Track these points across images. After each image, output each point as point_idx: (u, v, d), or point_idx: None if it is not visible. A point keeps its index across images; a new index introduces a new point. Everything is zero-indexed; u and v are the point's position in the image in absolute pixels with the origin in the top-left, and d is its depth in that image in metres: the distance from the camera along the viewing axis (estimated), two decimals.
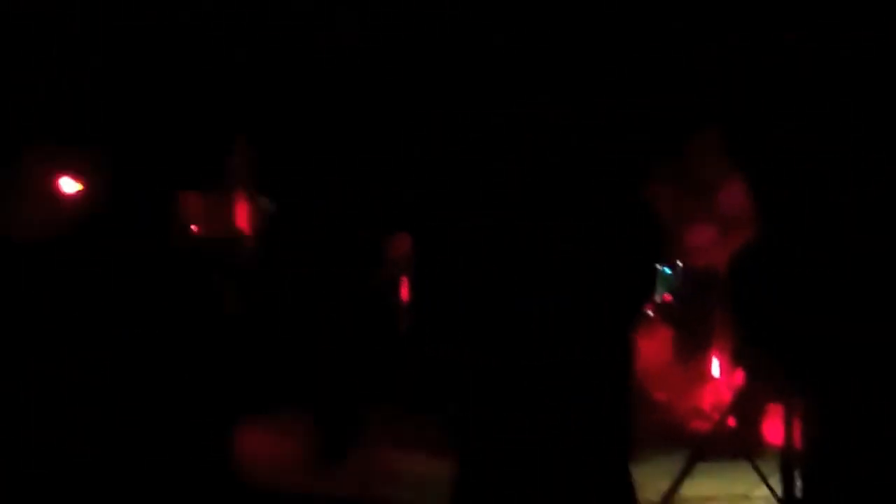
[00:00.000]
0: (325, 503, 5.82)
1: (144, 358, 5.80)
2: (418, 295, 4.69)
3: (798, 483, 5.39)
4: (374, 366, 6.73)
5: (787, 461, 5.43)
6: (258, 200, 6.82)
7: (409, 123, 4.39)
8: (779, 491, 5.51)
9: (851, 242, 5.44)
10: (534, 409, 4.16)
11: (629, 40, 4.34)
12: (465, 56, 4.20)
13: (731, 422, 6.44)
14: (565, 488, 4.18)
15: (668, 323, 7.48)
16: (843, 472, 4.99)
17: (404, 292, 7.52)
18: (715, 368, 7.40)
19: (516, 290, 4.11)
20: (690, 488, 5.82)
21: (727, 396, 6.97)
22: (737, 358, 7.31)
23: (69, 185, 6.23)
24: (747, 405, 6.56)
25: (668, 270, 7.51)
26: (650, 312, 7.36)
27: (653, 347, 7.35)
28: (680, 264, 7.46)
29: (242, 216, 6.89)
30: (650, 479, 5.61)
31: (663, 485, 5.76)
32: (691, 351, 7.49)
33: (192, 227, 6.47)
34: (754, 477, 5.79)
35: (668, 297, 7.45)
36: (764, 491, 5.72)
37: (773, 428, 6.48)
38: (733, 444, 6.30)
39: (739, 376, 7.07)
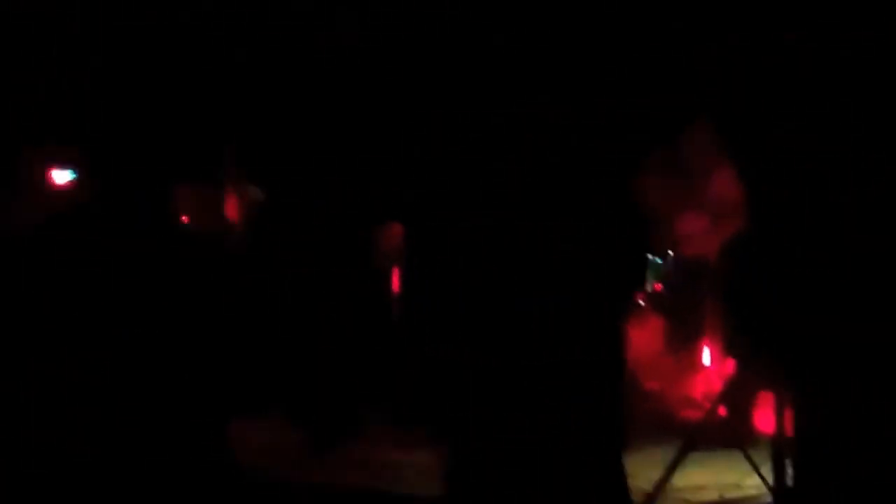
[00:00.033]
0: (320, 493, 5.83)
1: (143, 355, 5.80)
2: (416, 293, 4.70)
3: (789, 471, 5.40)
4: (369, 358, 6.74)
5: (779, 450, 5.44)
6: (247, 190, 6.82)
7: (409, 123, 4.39)
8: (770, 479, 5.52)
9: (844, 239, 5.46)
10: (526, 400, 4.17)
11: (629, 40, 4.35)
12: (464, 56, 4.20)
13: (723, 411, 6.44)
14: (558, 478, 4.19)
15: (659, 312, 7.49)
16: (834, 460, 5.00)
17: (395, 283, 7.53)
18: (706, 358, 7.42)
19: (512, 286, 4.11)
20: (682, 477, 5.83)
21: (718, 386, 6.99)
22: (728, 347, 7.33)
23: (60, 177, 6.23)
24: (738, 394, 6.57)
25: (658, 260, 7.52)
26: (641, 302, 7.37)
27: (644, 337, 7.36)
28: (671, 254, 7.47)
29: (232, 207, 6.90)
30: (642, 469, 5.62)
31: (655, 474, 5.77)
32: (682, 340, 7.50)
33: (184, 218, 6.46)
34: (746, 466, 5.81)
35: (658, 286, 7.46)
36: (755, 479, 5.73)
37: (765, 417, 6.49)
38: (725, 434, 6.31)
39: (730, 366, 7.08)
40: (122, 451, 5.56)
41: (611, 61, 4.27)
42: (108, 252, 5.85)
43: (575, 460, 4.21)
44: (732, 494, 5.80)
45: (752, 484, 5.76)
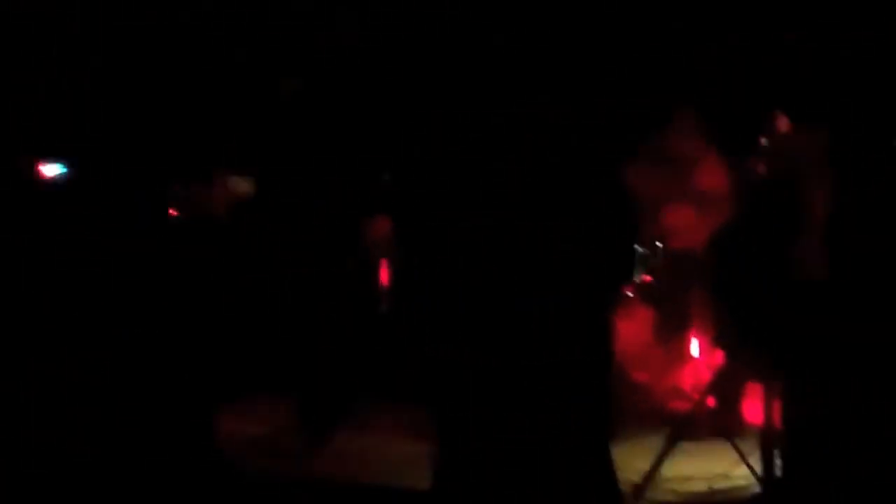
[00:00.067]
0: (309, 486, 5.82)
1: (136, 348, 5.80)
2: (412, 290, 4.70)
3: (778, 462, 5.41)
4: (358, 351, 6.73)
5: (767, 440, 5.45)
6: (235, 182, 6.80)
7: (409, 123, 4.39)
8: (759, 470, 5.53)
9: (832, 231, 5.48)
10: (513, 392, 4.17)
11: (629, 40, 4.35)
12: (462, 56, 4.20)
13: (711, 402, 6.45)
14: (546, 470, 4.20)
15: (647, 303, 7.48)
16: (822, 450, 5.02)
17: (384, 275, 7.52)
18: (694, 348, 7.41)
19: (501, 279, 4.12)
20: (670, 468, 5.84)
21: (707, 376, 6.99)
22: (716, 338, 7.32)
23: (49, 170, 6.21)
24: (727, 385, 6.57)
25: (646, 252, 7.51)
26: (629, 293, 7.36)
27: (632, 328, 7.35)
28: (659, 245, 7.46)
29: (220, 198, 6.87)
30: (630, 460, 5.63)
31: (643, 465, 5.78)
32: (671, 331, 7.49)
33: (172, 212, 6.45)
34: (734, 456, 5.81)
35: (647, 277, 7.45)
36: (744, 470, 5.74)
37: (753, 408, 6.50)
38: (713, 424, 6.31)
39: (719, 356, 7.08)
40: (118, 449, 5.56)
41: (609, 61, 4.27)
42: (103, 247, 5.85)
43: (563, 452, 4.22)
44: (721, 485, 5.81)
45: (741, 474, 5.77)
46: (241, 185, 6.62)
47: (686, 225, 7.69)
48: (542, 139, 4.14)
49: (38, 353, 5.69)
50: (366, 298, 7.34)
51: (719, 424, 6.25)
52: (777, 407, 5.44)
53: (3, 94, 5.73)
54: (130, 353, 5.77)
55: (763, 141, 5.94)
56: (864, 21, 4.35)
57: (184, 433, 5.82)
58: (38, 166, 6.16)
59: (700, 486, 5.82)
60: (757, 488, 5.57)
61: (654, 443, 6.13)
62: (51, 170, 6.18)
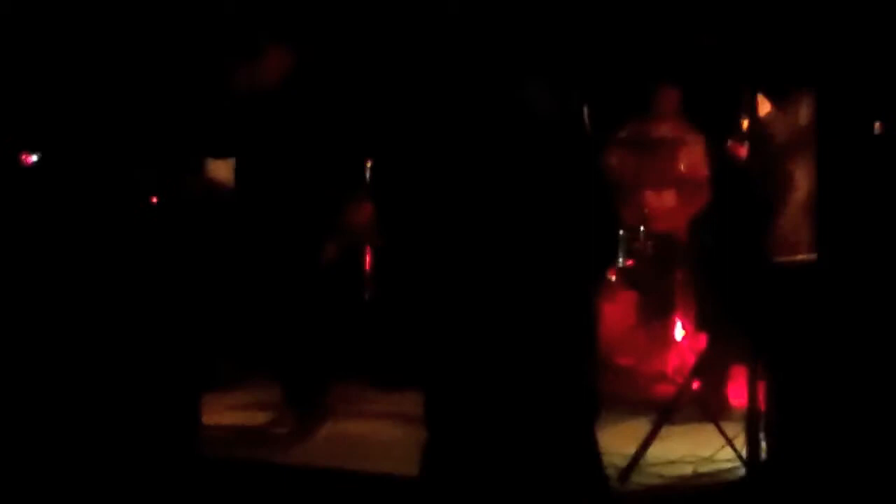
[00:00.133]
0: (293, 474, 5.82)
1: (115, 334, 5.79)
2: (396, 277, 4.68)
3: (763, 444, 5.42)
4: (339, 337, 6.73)
5: (752, 423, 5.46)
6: (212, 166, 6.79)
7: (391, 108, 4.38)
8: (743, 453, 5.54)
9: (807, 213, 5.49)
10: (498, 377, 4.17)
11: (610, 24, 4.36)
12: (446, 39, 4.19)
13: (696, 385, 6.46)
14: (531, 455, 4.20)
15: (630, 288, 7.49)
16: (807, 433, 5.03)
17: (367, 261, 7.52)
18: (678, 332, 7.42)
19: (485, 264, 4.11)
20: (656, 452, 5.84)
21: (691, 359, 7.00)
22: (700, 321, 7.34)
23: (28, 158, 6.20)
24: (711, 368, 6.59)
25: (629, 235, 7.52)
26: (612, 278, 7.37)
27: (616, 312, 7.36)
28: (642, 229, 7.47)
29: (196, 184, 6.84)
30: (616, 444, 5.63)
31: (629, 449, 5.78)
32: (654, 315, 7.50)
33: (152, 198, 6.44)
34: (719, 440, 5.82)
35: (630, 261, 7.46)
36: (729, 453, 5.74)
37: (737, 390, 6.52)
38: (698, 407, 6.33)
39: (703, 339, 7.09)
40: (102, 438, 5.55)
41: (590, 44, 4.28)
42: (82, 235, 5.83)
43: (548, 437, 4.21)
44: (706, 468, 5.82)
45: (726, 457, 5.78)
46: (221, 171, 6.60)
47: (668, 208, 7.71)
48: (524, 124, 4.13)
49: (16, 341, 5.68)
50: (350, 285, 7.34)
51: (704, 407, 6.26)
52: (761, 389, 5.45)
53: None
54: (113, 343, 5.76)
55: (744, 123, 5.95)
56: None
57: (168, 422, 5.81)
58: (18, 155, 6.15)
59: (685, 470, 5.83)
60: (742, 471, 5.58)
61: (640, 426, 6.14)
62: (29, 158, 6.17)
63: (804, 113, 5.87)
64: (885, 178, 4.83)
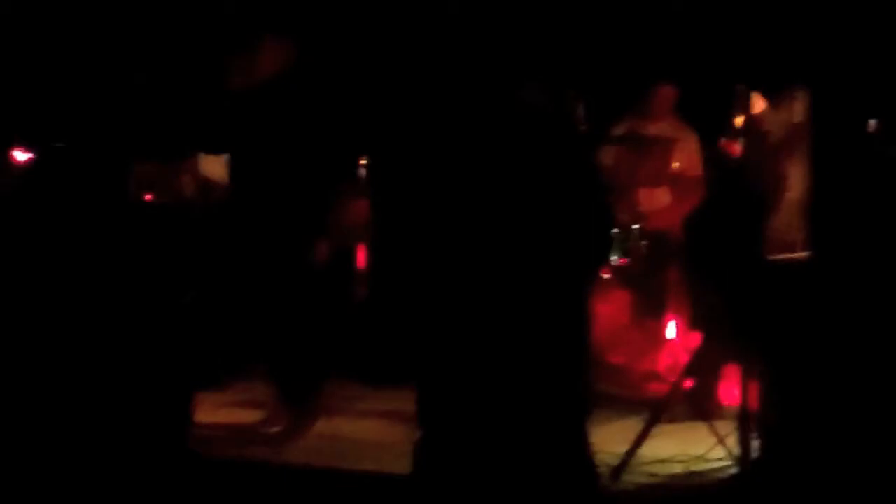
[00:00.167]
0: (285, 472, 5.81)
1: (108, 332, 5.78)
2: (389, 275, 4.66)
3: (755, 443, 5.42)
4: (332, 335, 6.72)
5: (744, 422, 5.45)
6: (204, 163, 6.78)
7: (387, 106, 4.39)
8: (736, 451, 5.54)
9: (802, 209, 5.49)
10: (490, 375, 4.17)
11: (605, 23, 4.36)
12: (442, 39, 4.19)
13: (688, 383, 6.45)
14: (523, 453, 4.20)
15: (624, 286, 7.49)
16: (799, 431, 5.03)
17: (360, 260, 7.51)
18: (671, 330, 7.42)
19: (479, 262, 4.11)
20: (648, 450, 5.84)
21: (684, 358, 6.99)
22: (693, 320, 7.34)
23: (21, 155, 6.19)
24: (704, 367, 6.58)
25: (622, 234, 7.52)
26: (606, 276, 7.36)
27: (609, 311, 7.35)
28: (636, 227, 7.46)
29: (189, 181, 6.84)
30: (608, 442, 5.62)
31: (621, 447, 5.78)
32: (648, 314, 7.50)
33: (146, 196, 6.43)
34: (711, 438, 5.82)
35: (624, 260, 7.45)
36: (721, 452, 5.74)
37: (730, 389, 6.51)
38: (690, 406, 6.32)
39: (696, 338, 7.08)
40: (95, 437, 5.54)
41: (586, 44, 4.28)
42: (75, 231, 5.82)
43: (540, 435, 4.21)
44: (698, 467, 5.82)
45: (718, 456, 5.77)
46: (214, 168, 6.59)
47: (662, 207, 7.70)
48: (519, 122, 4.13)
49: (9, 338, 5.67)
50: (343, 283, 7.32)
51: (696, 406, 6.25)
52: (754, 388, 5.45)
53: None
54: (106, 341, 5.75)
55: (738, 121, 5.95)
56: None
57: (161, 420, 5.80)
58: (9, 152, 6.14)
59: (677, 468, 5.82)
60: (734, 470, 5.57)
61: (632, 425, 6.14)
62: (21, 155, 6.16)
63: (798, 111, 5.87)
64: (879, 176, 4.83)
